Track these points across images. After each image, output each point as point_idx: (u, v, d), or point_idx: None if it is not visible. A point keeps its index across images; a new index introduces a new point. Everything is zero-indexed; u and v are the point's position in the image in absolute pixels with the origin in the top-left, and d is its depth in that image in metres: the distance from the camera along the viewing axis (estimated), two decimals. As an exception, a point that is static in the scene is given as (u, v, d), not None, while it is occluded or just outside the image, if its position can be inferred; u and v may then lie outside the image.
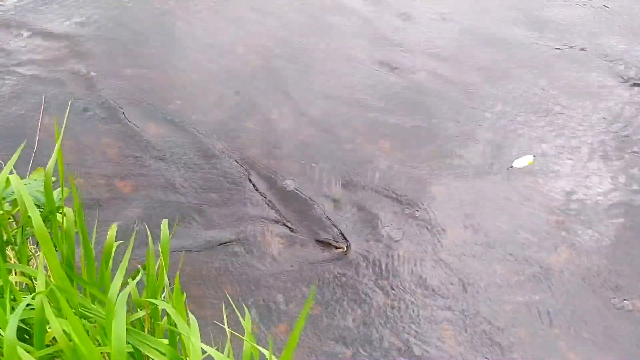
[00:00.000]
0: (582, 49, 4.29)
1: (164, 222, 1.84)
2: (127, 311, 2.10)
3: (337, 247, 3.06)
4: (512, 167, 3.39)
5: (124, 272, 1.52)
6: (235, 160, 3.40)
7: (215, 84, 3.90)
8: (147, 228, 1.92)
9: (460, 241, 3.06)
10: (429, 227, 3.11)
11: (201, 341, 1.51)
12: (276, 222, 3.12)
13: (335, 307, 2.78)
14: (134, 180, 3.24)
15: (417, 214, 3.18)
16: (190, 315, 1.51)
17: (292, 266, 2.95)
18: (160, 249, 1.81)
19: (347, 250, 3.05)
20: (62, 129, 1.93)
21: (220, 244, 3.02)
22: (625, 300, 2.81)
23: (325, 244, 3.08)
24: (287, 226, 3.12)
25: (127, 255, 1.60)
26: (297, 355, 2.57)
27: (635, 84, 4.01)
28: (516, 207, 3.21)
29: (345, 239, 3.08)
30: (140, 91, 3.81)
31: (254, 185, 3.28)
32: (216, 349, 1.73)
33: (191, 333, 1.44)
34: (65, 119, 3.05)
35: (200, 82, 3.91)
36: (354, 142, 3.54)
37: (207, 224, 3.11)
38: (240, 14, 4.50)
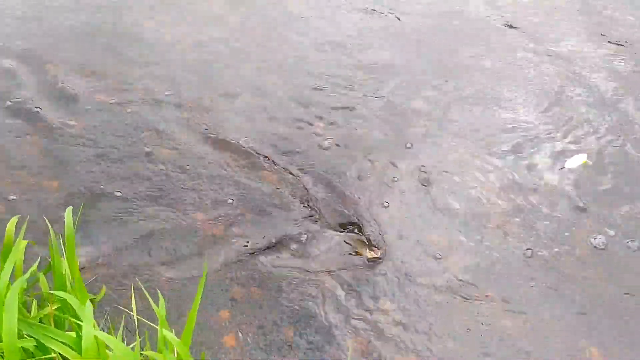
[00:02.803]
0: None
1: (68, 211, 1.77)
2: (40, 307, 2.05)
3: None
4: (564, 167, 3.13)
5: (12, 266, 1.47)
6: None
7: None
8: (46, 222, 1.86)
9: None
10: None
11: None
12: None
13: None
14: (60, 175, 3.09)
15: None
16: (88, 303, 1.48)
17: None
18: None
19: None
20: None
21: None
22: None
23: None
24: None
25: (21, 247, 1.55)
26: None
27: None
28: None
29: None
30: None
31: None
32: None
33: (84, 317, 1.41)
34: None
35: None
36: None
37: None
38: None
